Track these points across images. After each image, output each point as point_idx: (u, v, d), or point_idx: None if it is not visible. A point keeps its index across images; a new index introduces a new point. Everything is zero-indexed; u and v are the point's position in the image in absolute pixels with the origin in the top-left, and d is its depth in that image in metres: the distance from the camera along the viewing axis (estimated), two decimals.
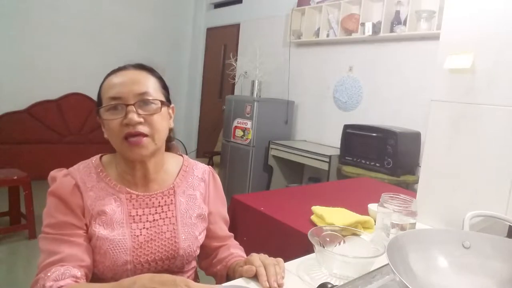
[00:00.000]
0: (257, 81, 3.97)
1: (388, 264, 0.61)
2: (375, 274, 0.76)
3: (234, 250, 0.98)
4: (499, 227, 1.03)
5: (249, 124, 3.75)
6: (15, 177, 2.67)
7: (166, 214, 0.89)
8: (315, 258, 0.88)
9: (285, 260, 0.91)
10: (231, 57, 4.33)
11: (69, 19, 4.59)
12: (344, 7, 3.44)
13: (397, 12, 3.07)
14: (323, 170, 3.27)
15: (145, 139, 0.81)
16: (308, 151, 3.38)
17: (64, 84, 4.58)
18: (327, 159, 3.19)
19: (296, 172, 3.97)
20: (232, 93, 4.81)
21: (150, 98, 0.83)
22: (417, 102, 3.01)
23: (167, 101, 0.89)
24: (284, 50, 4.17)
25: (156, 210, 0.88)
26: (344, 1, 3.42)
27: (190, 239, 0.90)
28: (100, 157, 0.91)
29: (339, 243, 0.92)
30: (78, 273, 0.75)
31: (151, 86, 0.85)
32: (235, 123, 3.90)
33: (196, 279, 1.02)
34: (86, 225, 0.81)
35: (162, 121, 0.85)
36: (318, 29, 3.72)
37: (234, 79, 4.51)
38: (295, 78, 4.09)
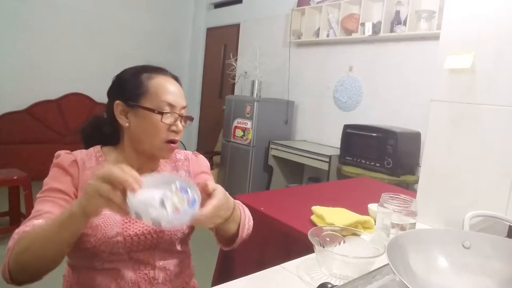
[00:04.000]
0: (257, 81, 3.97)
1: (388, 264, 0.61)
2: (375, 274, 0.76)
3: None
4: (499, 227, 1.04)
5: (249, 124, 3.75)
6: (15, 177, 2.67)
7: None
8: (315, 258, 0.88)
9: (285, 260, 0.91)
10: (231, 57, 4.33)
11: (69, 19, 4.59)
12: (344, 7, 3.44)
13: (397, 12, 3.07)
14: (323, 170, 3.27)
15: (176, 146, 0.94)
16: (308, 151, 3.38)
17: (64, 84, 4.58)
18: (327, 159, 3.18)
19: (296, 172, 3.97)
20: (232, 93, 4.81)
21: (187, 114, 0.94)
22: (417, 102, 3.01)
23: None
24: (284, 50, 4.17)
25: None
26: (344, 1, 3.42)
27: None
28: (101, 147, 0.97)
29: (339, 243, 0.92)
30: None
31: None
32: (235, 123, 3.90)
33: (189, 263, 1.05)
34: (75, 194, 0.87)
35: None
36: (318, 29, 3.72)
37: (234, 79, 4.51)
38: (295, 78, 4.09)
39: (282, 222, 1.29)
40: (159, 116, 0.88)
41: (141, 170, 0.93)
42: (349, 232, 0.96)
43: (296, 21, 3.95)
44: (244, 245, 1.04)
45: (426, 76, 2.91)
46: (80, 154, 0.92)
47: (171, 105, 0.90)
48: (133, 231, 0.88)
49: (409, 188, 2.73)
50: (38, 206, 0.82)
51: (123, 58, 4.83)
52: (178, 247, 0.97)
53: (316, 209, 1.30)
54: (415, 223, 1.05)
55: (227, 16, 5.17)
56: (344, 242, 0.92)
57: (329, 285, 0.69)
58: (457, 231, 0.82)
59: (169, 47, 5.50)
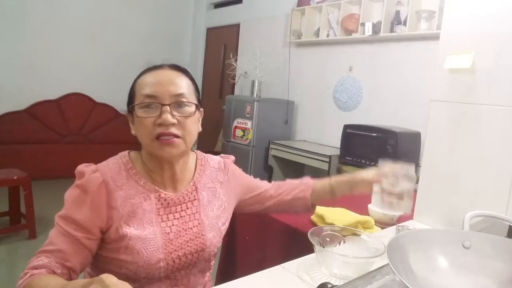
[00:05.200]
0: (257, 81, 3.97)
1: (388, 264, 0.61)
2: (375, 274, 0.76)
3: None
4: (499, 227, 1.03)
5: (249, 124, 3.75)
6: (15, 177, 2.67)
7: (191, 210, 0.91)
8: (315, 258, 0.88)
9: (285, 260, 0.91)
10: (231, 57, 4.33)
11: (69, 19, 4.59)
12: (344, 7, 3.44)
13: (397, 12, 3.06)
14: (323, 170, 3.27)
15: (177, 140, 0.82)
16: (308, 151, 3.38)
17: (64, 84, 4.58)
18: (327, 159, 3.18)
19: (296, 172, 3.96)
20: (232, 93, 4.81)
21: (185, 100, 0.83)
22: (417, 102, 3.01)
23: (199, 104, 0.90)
24: (284, 50, 4.17)
25: (181, 207, 0.90)
26: (344, 1, 3.42)
27: (215, 230, 0.93)
28: (128, 153, 0.90)
29: (339, 243, 0.92)
30: (58, 270, 0.73)
31: (186, 88, 0.85)
32: (235, 123, 3.90)
33: (210, 277, 1.03)
34: (101, 229, 0.80)
35: (194, 124, 0.86)
36: (318, 29, 3.72)
37: (234, 79, 4.51)
38: (295, 78, 4.09)
39: (282, 222, 1.29)
40: (138, 112, 0.81)
41: (174, 179, 0.89)
42: (349, 232, 0.96)
43: (296, 21, 3.95)
44: (245, 245, 1.04)
45: (426, 76, 2.91)
46: (108, 169, 0.84)
47: (150, 96, 0.81)
48: (175, 254, 0.85)
49: None
50: (54, 236, 0.77)
51: (123, 58, 4.84)
52: (212, 262, 0.97)
53: (316, 209, 1.30)
54: (412, 191, 0.95)
55: (227, 16, 5.17)
56: (344, 242, 0.92)
57: (329, 285, 0.69)
58: (457, 231, 0.82)
59: (169, 47, 5.50)
